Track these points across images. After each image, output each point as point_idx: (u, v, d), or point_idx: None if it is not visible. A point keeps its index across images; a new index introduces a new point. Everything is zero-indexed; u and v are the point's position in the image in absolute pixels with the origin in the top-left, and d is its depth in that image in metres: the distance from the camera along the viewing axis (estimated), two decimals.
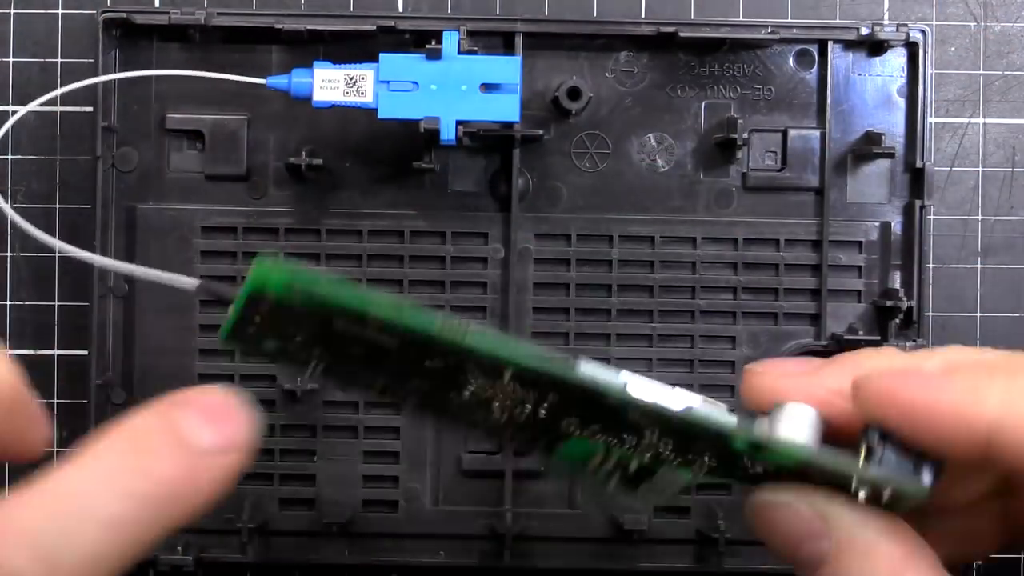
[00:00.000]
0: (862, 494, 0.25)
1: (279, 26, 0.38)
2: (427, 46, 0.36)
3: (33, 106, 0.37)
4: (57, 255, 0.41)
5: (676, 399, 0.25)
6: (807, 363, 0.27)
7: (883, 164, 0.40)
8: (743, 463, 0.25)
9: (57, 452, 0.40)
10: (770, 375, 0.27)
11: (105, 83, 0.38)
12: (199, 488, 0.25)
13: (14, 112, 0.40)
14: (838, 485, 0.25)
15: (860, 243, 0.40)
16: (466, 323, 0.25)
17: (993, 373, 0.24)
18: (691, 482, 0.26)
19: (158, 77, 0.39)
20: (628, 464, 0.26)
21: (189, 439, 0.25)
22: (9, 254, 0.41)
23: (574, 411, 0.26)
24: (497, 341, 0.25)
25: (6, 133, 0.41)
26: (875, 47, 0.40)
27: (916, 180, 0.40)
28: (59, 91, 0.37)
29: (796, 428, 0.25)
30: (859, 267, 0.40)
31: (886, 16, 0.42)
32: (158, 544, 0.25)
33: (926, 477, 0.25)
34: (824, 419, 0.25)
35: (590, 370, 0.25)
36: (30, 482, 0.24)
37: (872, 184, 0.40)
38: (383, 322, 0.25)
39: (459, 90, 0.36)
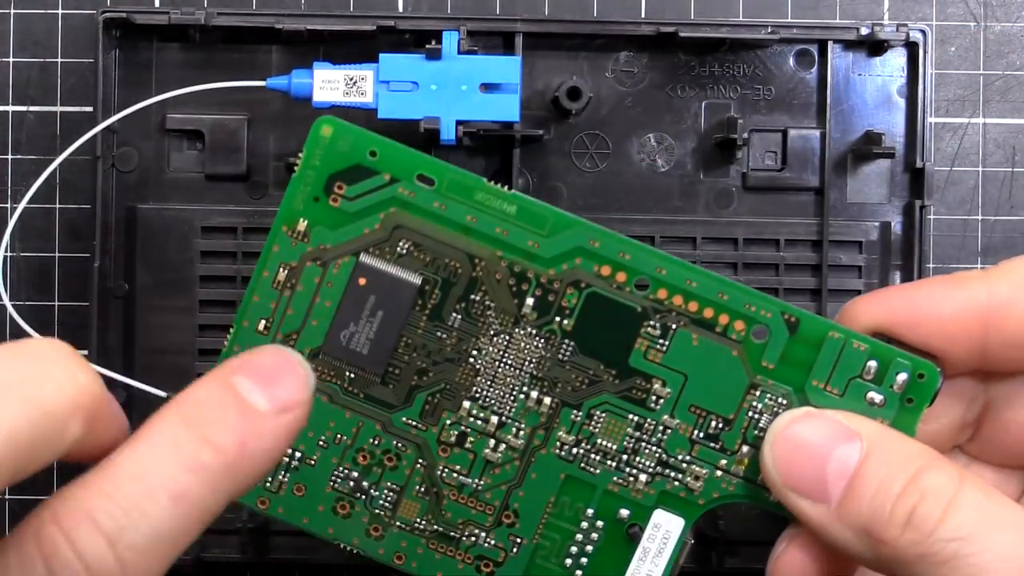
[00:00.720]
0: (878, 398, 0.27)
1: (279, 26, 0.38)
2: (427, 46, 0.36)
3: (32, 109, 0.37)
4: (57, 255, 0.41)
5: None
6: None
7: (883, 164, 0.40)
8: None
9: None
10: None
11: (105, 83, 0.38)
12: (260, 452, 0.25)
13: (14, 112, 0.40)
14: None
15: (860, 243, 0.40)
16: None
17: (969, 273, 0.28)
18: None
19: (158, 79, 0.39)
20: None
21: (247, 405, 0.25)
22: (9, 254, 0.41)
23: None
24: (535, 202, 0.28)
25: (6, 135, 0.41)
26: (875, 47, 0.40)
27: (916, 180, 0.40)
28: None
29: None
30: (859, 267, 0.40)
31: (886, 16, 0.42)
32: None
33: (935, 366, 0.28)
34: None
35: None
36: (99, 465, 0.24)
37: (872, 184, 0.40)
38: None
39: (459, 90, 0.36)
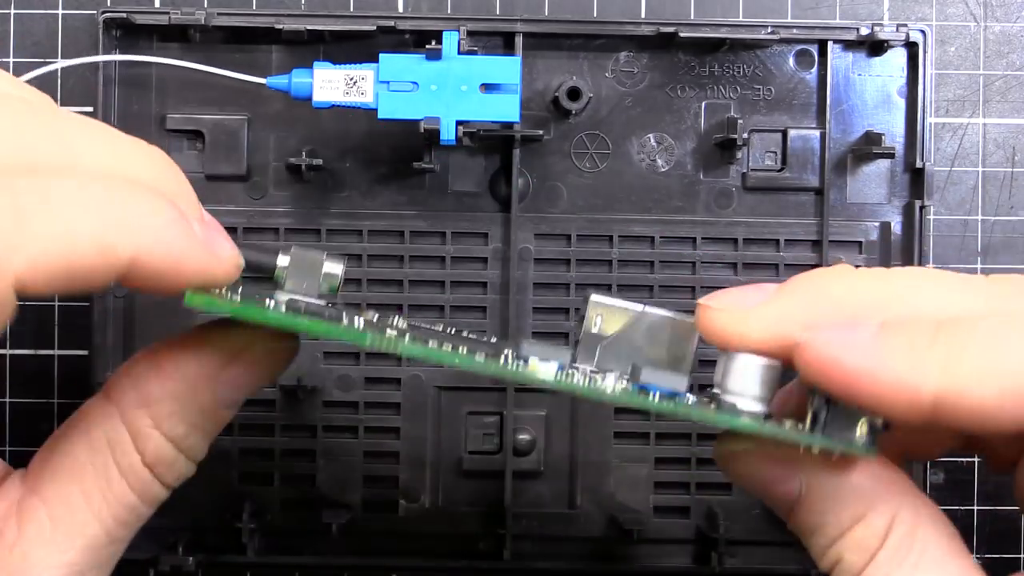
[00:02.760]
0: (815, 450, 0.25)
1: (279, 26, 0.38)
2: (427, 46, 0.36)
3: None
4: None
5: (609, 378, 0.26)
6: (762, 291, 0.26)
7: (883, 164, 0.40)
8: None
9: None
10: (728, 314, 0.25)
11: (105, 83, 0.38)
12: None
13: None
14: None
15: (860, 243, 0.40)
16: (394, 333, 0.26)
17: (935, 336, 0.23)
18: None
19: (158, 79, 0.39)
20: None
21: None
22: None
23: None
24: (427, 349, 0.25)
25: None
26: (875, 47, 0.40)
27: (916, 180, 0.40)
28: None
29: (747, 383, 0.25)
30: (859, 267, 0.40)
31: (886, 16, 0.42)
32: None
33: (871, 440, 0.25)
34: (777, 364, 0.25)
35: (530, 353, 0.26)
36: None
37: (872, 184, 0.40)
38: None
39: (459, 90, 0.36)
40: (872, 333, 0.24)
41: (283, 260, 0.28)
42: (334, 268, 0.28)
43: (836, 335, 0.24)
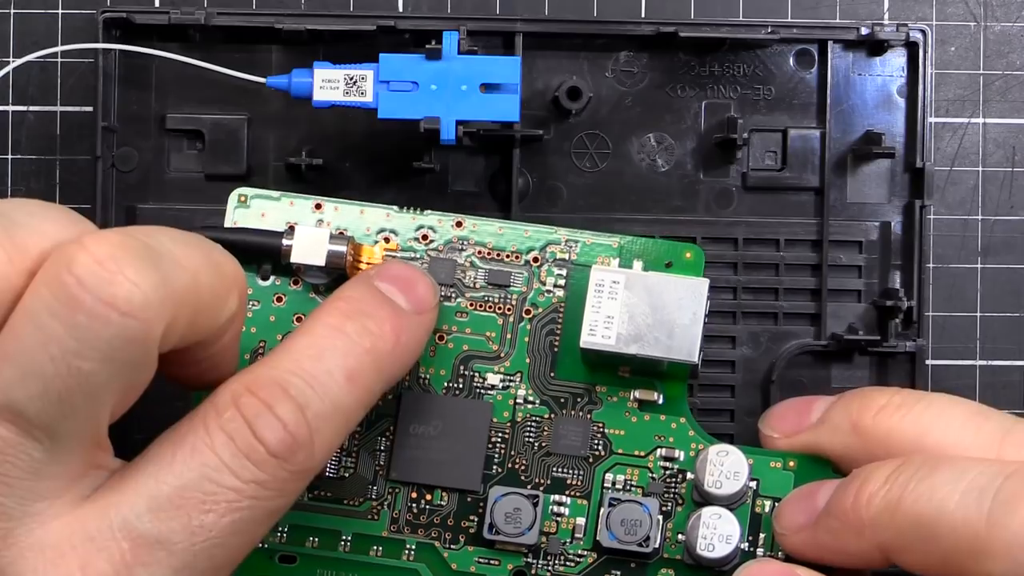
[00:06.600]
0: None
1: (279, 26, 0.38)
2: (427, 46, 0.36)
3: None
4: None
5: None
6: (805, 410, 0.34)
7: (883, 164, 0.40)
8: None
9: None
10: (780, 440, 0.34)
11: (105, 83, 0.38)
12: (410, 344, 0.30)
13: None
14: None
15: (860, 243, 0.40)
16: None
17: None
18: None
19: (158, 79, 0.39)
20: None
21: (394, 304, 0.30)
22: None
23: None
24: None
25: (6, 135, 0.41)
26: (875, 47, 0.40)
27: (916, 180, 0.40)
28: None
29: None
30: (859, 267, 0.40)
31: (886, 16, 0.42)
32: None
33: None
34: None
35: None
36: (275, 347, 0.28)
37: (872, 184, 0.40)
38: None
39: (459, 90, 0.36)
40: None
41: (287, 240, 0.33)
42: (338, 246, 0.33)
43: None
